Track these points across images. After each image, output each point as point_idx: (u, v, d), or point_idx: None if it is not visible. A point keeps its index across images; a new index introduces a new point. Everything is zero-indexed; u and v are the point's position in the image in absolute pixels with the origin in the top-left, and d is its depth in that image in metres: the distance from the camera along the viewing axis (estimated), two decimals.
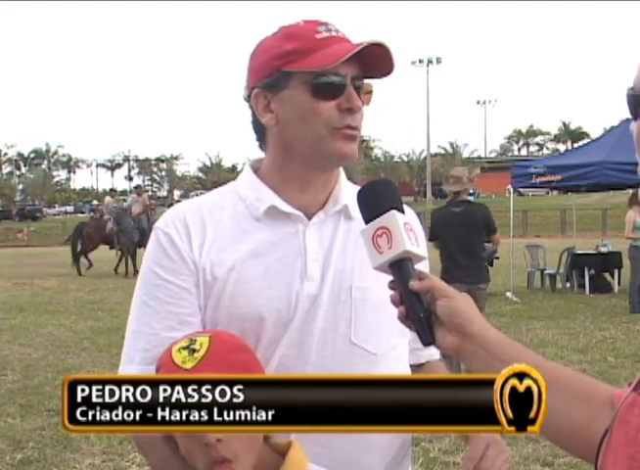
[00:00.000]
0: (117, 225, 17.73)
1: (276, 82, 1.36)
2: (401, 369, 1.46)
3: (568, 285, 13.39)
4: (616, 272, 13.29)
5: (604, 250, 13.58)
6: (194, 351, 1.21)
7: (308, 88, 1.33)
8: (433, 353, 1.59)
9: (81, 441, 5.20)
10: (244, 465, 1.20)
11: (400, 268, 1.16)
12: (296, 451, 1.26)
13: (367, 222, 1.20)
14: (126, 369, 1.36)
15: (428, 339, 1.12)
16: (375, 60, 1.35)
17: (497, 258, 12.87)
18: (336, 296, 1.37)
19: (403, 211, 1.20)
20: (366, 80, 1.38)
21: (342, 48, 1.32)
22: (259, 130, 1.44)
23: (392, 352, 1.42)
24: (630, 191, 13.39)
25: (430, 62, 74.27)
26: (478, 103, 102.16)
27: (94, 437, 5.26)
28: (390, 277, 1.18)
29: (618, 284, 13.07)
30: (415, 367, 1.55)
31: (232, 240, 1.38)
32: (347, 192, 1.45)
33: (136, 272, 16.20)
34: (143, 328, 1.36)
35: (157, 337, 1.34)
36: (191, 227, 1.39)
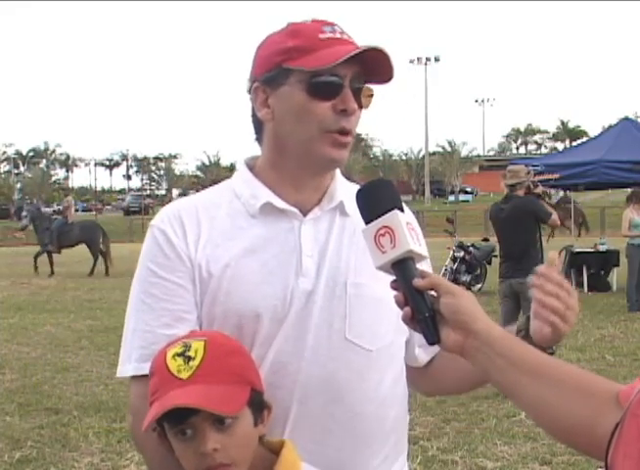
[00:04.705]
0: (33, 223, 18.76)
1: (275, 78, 1.35)
2: (397, 366, 1.45)
3: None
4: (614, 271, 13.26)
5: (602, 248, 13.57)
6: (189, 359, 1.18)
7: (305, 87, 1.32)
8: None
9: (80, 439, 5.20)
10: (240, 469, 1.20)
11: (404, 268, 1.15)
12: (288, 451, 1.26)
13: (367, 222, 1.19)
14: (125, 369, 1.37)
15: (433, 338, 1.12)
16: (376, 65, 1.34)
17: (496, 256, 12.85)
18: (330, 292, 1.37)
19: (403, 211, 1.20)
20: (367, 85, 1.37)
21: (343, 50, 1.30)
22: (257, 125, 1.43)
23: (388, 348, 1.41)
24: (629, 190, 13.38)
25: (428, 60, 74.27)
26: (476, 101, 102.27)
27: (92, 435, 5.26)
28: (391, 277, 1.17)
29: (616, 282, 13.07)
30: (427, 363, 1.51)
31: (227, 236, 1.38)
32: (343, 188, 1.44)
33: (52, 273, 17.56)
34: (139, 325, 1.36)
35: (153, 334, 1.34)
36: (186, 224, 1.38)
